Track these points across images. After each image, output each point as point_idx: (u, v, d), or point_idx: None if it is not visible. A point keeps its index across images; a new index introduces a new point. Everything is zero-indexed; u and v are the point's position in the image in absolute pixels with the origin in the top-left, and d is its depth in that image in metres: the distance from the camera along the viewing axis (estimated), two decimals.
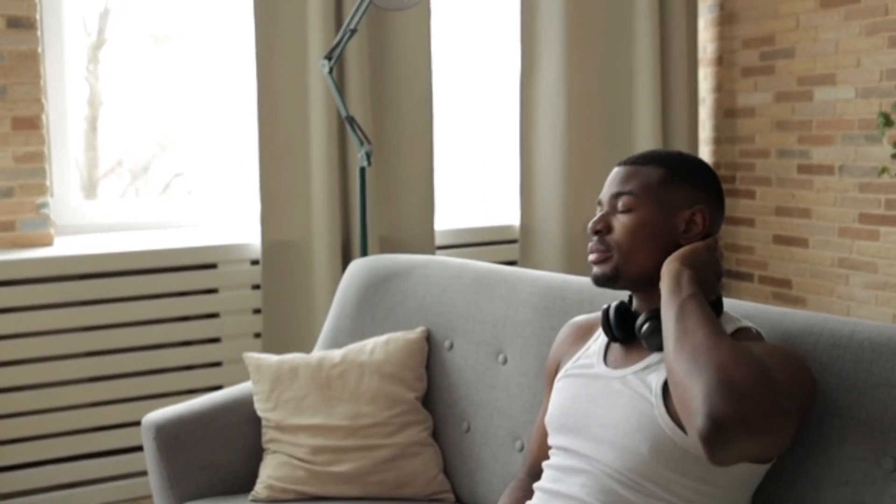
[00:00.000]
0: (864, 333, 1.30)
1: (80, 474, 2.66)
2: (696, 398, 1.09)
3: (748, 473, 1.24)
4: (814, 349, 1.33)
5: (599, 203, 1.39)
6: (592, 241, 1.36)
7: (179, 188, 3.03)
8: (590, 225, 1.36)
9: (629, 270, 1.32)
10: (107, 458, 2.70)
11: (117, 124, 2.94)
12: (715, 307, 1.32)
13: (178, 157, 3.04)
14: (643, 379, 1.29)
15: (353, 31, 2.36)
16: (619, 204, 1.34)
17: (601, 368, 1.36)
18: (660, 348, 1.29)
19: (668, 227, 1.33)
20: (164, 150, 3.01)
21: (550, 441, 1.38)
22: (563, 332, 1.54)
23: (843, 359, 1.30)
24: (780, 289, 3.24)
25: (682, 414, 1.12)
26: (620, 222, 1.34)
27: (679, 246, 1.33)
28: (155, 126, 2.99)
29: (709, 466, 1.21)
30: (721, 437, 1.05)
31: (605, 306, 1.39)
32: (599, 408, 1.31)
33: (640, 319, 1.31)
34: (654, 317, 1.30)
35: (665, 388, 1.25)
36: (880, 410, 1.24)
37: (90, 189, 2.92)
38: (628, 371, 1.32)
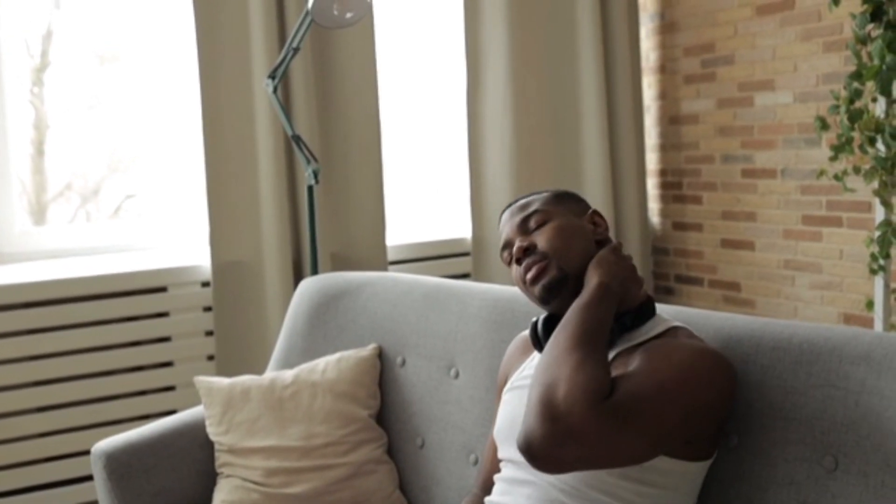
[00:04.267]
0: (803, 335, 1.33)
1: None
2: (525, 416, 1.16)
3: (688, 472, 1.26)
4: (755, 352, 1.36)
5: (507, 246, 1.39)
6: (524, 262, 1.34)
7: (130, 210, 3.00)
8: (514, 251, 1.34)
9: (572, 265, 1.32)
10: (60, 489, 2.65)
11: (65, 147, 2.91)
12: (645, 308, 1.34)
13: (128, 179, 3.01)
14: None
15: (296, 50, 2.36)
16: (532, 223, 1.37)
17: None
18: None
19: (582, 226, 1.38)
20: (113, 172, 2.98)
21: (499, 454, 1.39)
22: (511, 346, 1.56)
23: (784, 361, 1.32)
24: (730, 292, 3.29)
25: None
26: (542, 233, 1.35)
27: (597, 244, 1.37)
28: (103, 148, 2.96)
29: (648, 469, 1.23)
30: (533, 453, 1.12)
31: (533, 319, 1.41)
32: None
33: None
34: None
35: None
36: (820, 410, 1.26)
37: (39, 214, 2.88)
38: None
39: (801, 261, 3.01)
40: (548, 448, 1.10)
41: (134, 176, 3.01)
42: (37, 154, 2.87)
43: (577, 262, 1.32)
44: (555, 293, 1.32)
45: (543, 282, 1.32)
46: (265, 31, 2.79)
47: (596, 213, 1.42)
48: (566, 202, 1.41)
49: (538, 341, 1.37)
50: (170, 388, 2.80)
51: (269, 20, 2.79)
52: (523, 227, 1.38)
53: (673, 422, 1.16)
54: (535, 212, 1.38)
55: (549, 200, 1.40)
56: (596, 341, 1.19)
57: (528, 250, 1.34)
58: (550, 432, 1.10)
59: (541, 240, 1.34)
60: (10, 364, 2.57)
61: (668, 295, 3.57)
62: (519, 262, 1.34)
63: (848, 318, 2.86)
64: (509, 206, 1.44)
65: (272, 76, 2.41)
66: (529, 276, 1.33)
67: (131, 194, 3.00)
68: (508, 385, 1.45)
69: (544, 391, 1.14)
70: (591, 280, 1.28)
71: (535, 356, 1.45)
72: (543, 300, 1.33)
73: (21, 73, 2.81)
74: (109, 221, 2.96)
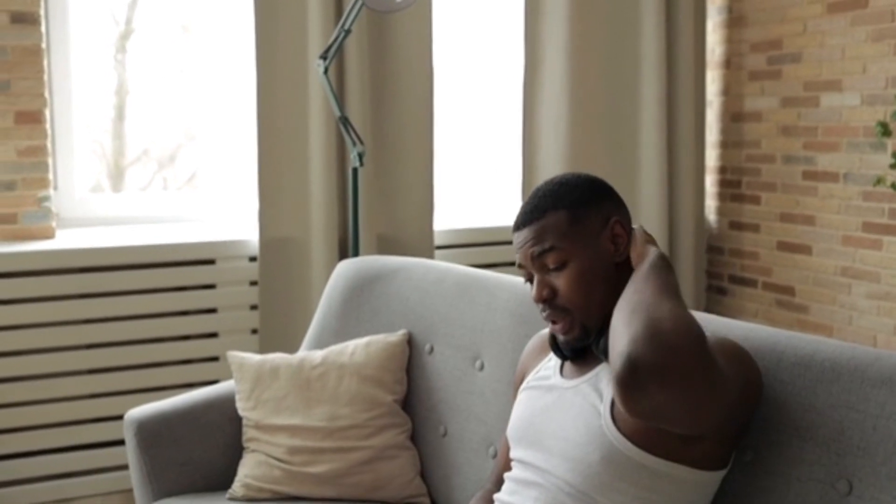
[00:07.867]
0: (826, 353, 1.29)
1: (74, 465, 2.70)
2: (622, 342, 1.10)
3: (701, 483, 1.24)
4: (776, 367, 1.32)
5: (520, 266, 1.36)
6: (545, 311, 1.33)
7: (204, 179, 3.07)
8: (533, 295, 1.33)
9: (593, 318, 1.31)
10: (103, 450, 2.74)
11: (144, 114, 2.98)
12: None
13: (199, 149, 3.07)
14: (595, 386, 1.29)
15: (348, 32, 2.36)
16: (549, 263, 1.31)
17: (557, 380, 1.37)
18: None
19: (601, 258, 1.32)
20: (190, 140, 3.05)
21: (511, 454, 1.39)
22: (530, 343, 1.55)
23: (805, 378, 1.29)
24: (784, 296, 3.21)
25: (610, 363, 1.13)
26: (561, 281, 1.31)
27: (617, 267, 1.33)
28: (180, 117, 3.02)
29: (657, 475, 1.21)
30: (635, 379, 1.06)
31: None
32: (553, 420, 1.31)
33: (602, 339, 1.30)
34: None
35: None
36: (836, 432, 1.22)
37: (117, 177, 2.96)
38: (581, 380, 1.32)
39: (858, 269, 2.92)
40: (655, 379, 1.06)
41: (202, 147, 3.07)
42: (117, 119, 2.94)
43: (597, 311, 1.31)
44: (578, 346, 1.33)
45: (568, 338, 1.33)
46: (322, 11, 2.80)
47: (616, 220, 1.33)
48: (584, 220, 1.32)
49: (559, 348, 1.37)
50: (214, 359, 2.86)
51: (327, 0, 2.81)
52: (540, 264, 1.32)
53: (736, 392, 1.19)
54: (552, 248, 1.31)
55: (565, 229, 1.31)
56: (680, 296, 1.18)
57: (548, 301, 1.32)
58: (661, 363, 1.06)
59: (561, 287, 1.31)
60: (63, 326, 2.65)
61: (720, 295, 3.50)
62: (539, 302, 1.33)
63: None
64: (523, 223, 1.35)
65: (324, 57, 2.42)
66: (553, 328, 1.34)
67: (201, 164, 3.06)
68: (524, 384, 1.44)
69: (650, 323, 1.10)
70: (649, 252, 1.27)
71: (552, 357, 1.44)
72: (568, 350, 1.35)
73: (104, 40, 2.88)
74: (161, 192, 3.03)
